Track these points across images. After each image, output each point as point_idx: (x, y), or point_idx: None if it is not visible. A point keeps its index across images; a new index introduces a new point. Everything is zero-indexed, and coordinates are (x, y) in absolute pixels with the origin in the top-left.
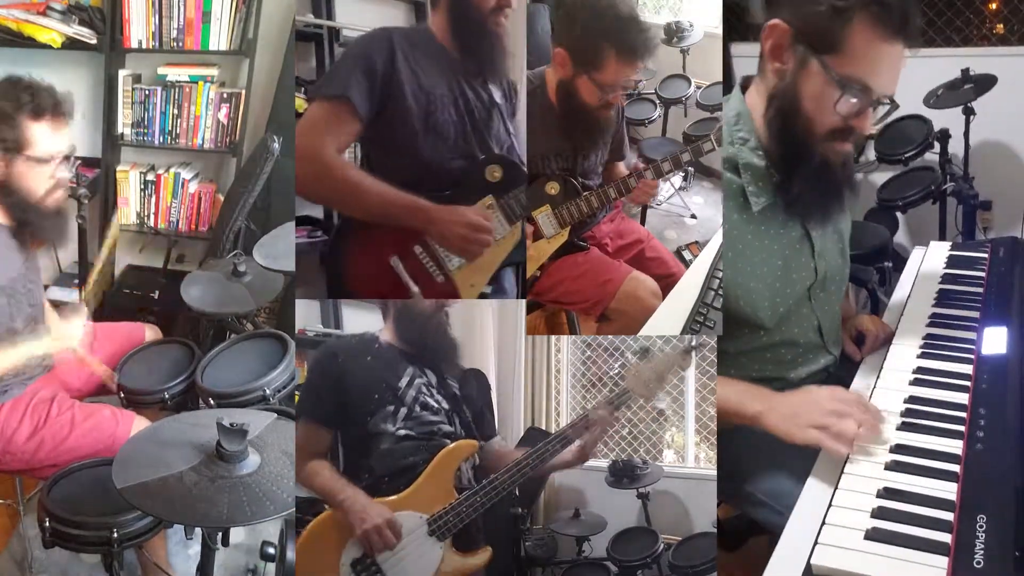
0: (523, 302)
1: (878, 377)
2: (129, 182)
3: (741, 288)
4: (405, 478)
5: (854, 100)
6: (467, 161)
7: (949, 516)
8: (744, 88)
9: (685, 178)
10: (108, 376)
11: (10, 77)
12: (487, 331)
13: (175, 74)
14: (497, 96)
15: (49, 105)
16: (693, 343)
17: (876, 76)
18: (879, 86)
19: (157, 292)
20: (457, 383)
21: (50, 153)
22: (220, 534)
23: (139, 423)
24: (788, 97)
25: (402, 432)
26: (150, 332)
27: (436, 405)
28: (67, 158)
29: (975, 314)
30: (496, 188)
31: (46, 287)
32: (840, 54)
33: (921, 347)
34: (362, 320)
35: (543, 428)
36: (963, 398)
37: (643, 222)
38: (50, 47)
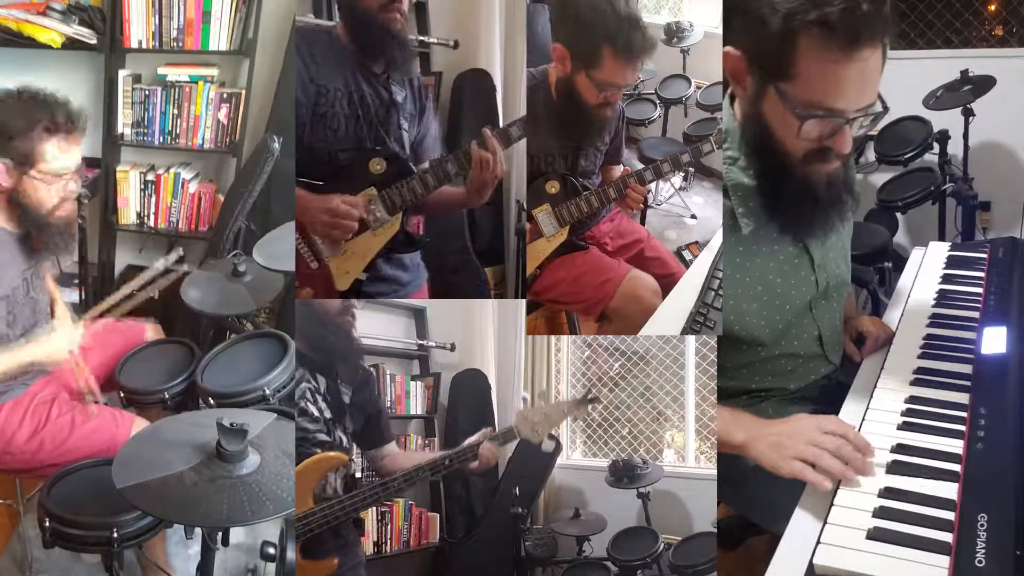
0: (523, 302)
1: (878, 378)
2: (129, 182)
3: (735, 312)
4: None
5: (820, 124)
6: (355, 153)
7: (950, 515)
8: (733, 99)
9: (685, 178)
10: (92, 389)
11: (25, 90)
12: (487, 331)
13: (175, 74)
14: (398, 96)
15: (63, 122)
16: (590, 396)
17: (839, 95)
18: (846, 104)
19: (157, 292)
20: (351, 388)
21: (61, 169)
22: (220, 534)
23: (138, 424)
24: (757, 124)
25: None
26: (151, 331)
27: (316, 413)
28: (78, 172)
29: (975, 314)
30: (379, 180)
31: None
32: (794, 80)
33: (921, 347)
34: (363, 321)
35: None
36: (963, 398)
37: (643, 222)
38: (50, 47)
